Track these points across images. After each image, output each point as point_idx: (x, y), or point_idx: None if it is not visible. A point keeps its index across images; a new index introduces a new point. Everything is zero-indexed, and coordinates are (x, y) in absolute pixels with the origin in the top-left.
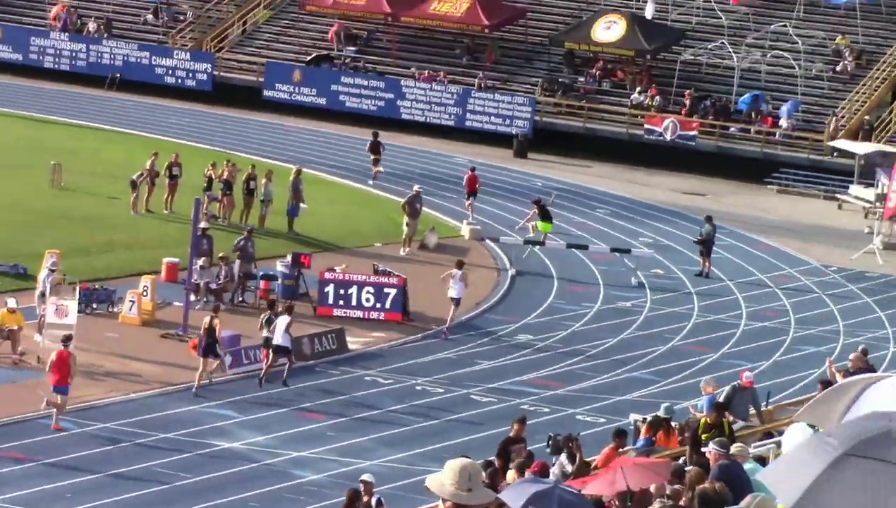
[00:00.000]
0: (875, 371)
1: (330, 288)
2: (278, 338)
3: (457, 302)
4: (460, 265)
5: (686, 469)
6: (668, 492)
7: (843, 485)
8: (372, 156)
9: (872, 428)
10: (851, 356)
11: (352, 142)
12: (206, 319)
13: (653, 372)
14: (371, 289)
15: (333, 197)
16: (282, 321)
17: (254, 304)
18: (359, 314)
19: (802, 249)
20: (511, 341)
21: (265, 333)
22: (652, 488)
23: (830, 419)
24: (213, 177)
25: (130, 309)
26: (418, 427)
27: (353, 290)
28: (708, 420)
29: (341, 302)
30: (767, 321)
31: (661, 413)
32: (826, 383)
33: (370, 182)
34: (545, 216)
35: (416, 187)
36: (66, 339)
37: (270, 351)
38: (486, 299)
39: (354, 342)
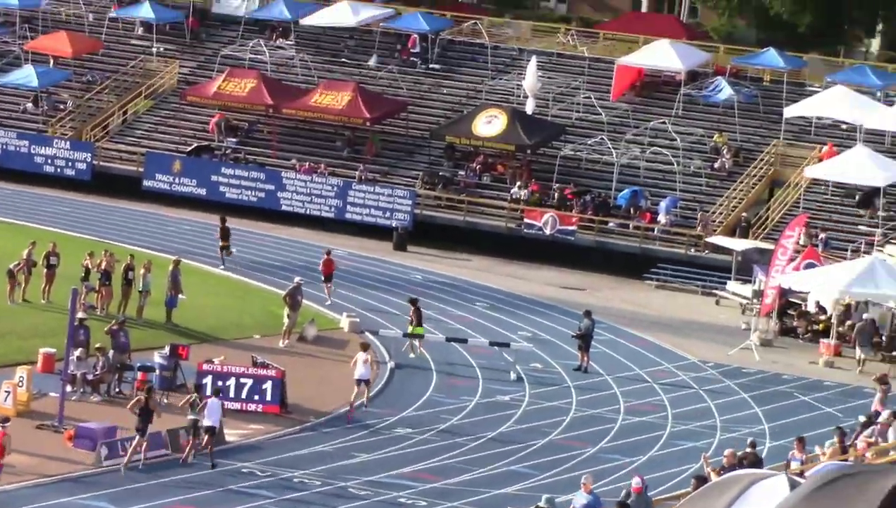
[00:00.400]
0: (762, 463)
1: (208, 380)
2: (209, 420)
3: (365, 383)
4: (365, 348)
5: None
6: None
7: None
8: (221, 243)
9: None
10: (726, 452)
11: (232, 233)
12: (142, 396)
13: (530, 466)
14: (249, 381)
15: (213, 288)
16: (214, 404)
17: (130, 395)
18: (236, 406)
19: (680, 345)
20: (389, 434)
21: (190, 416)
22: None
23: None
24: (91, 267)
25: (5, 400)
26: None
27: (231, 382)
28: None
29: (220, 395)
30: (645, 416)
31: (542, 504)
32: (700, 479)
33: (224, 264)
34: (419, 320)
35: (297, 279)
36: (4, 421)
37: (198, 433)
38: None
39: (232, 434)
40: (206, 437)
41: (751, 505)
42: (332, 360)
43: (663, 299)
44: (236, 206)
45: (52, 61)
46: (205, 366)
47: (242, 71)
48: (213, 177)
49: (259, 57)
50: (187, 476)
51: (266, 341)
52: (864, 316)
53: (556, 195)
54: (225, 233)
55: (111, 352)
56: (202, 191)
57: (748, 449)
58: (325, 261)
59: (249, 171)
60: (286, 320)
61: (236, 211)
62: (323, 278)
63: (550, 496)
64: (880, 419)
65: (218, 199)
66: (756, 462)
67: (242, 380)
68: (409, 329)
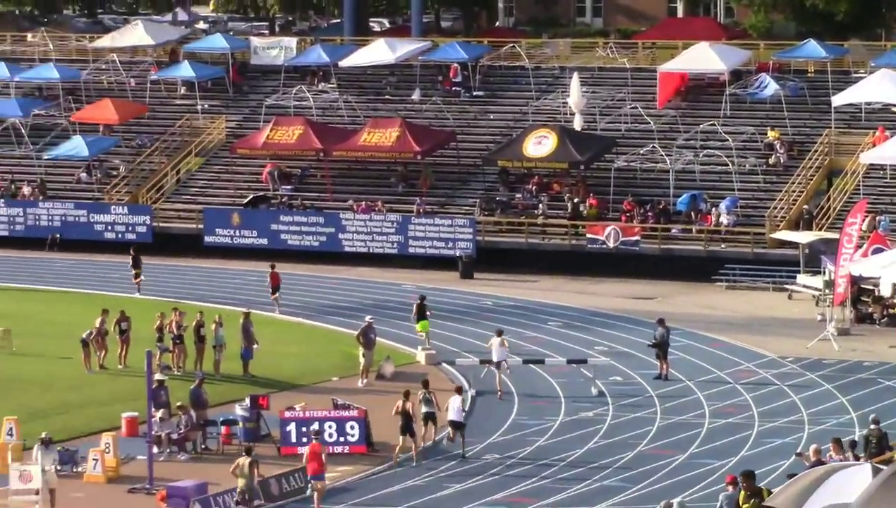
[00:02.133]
0: (887, 439)
1: (292, 427)
2: (453, 415)
3: (459, 425)
4: (459, 391)
5: None
6: None
7: None
8: (133, 271)
9: None
10: (811, 448)
11: (298, 279)
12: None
13: (623, 479)
14: (333, 424)
15: (285, 336)
16: (455, 400)
17: (217, 451)
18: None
19: (758, 342)
20: (478, 462)
21: (425, 409)
22: None
23: (789, 505)
24: (163, 327)
25: (94, 468)
26: None
27: (315, 426)
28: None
29: (305, 440)
30: (731, 417)
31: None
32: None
33: (136, 294)
34: (421, 315)
35: (367, 318)
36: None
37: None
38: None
39: None
40: (453, 431)
41: (831, 493)
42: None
43: (735, 299)
44: (299, 252)
45: (101, 129)
46: (287, 414)
47: (288, 119)
48: (273, 226)
49: (303, 103)
50: None
51: (344, 382)
52: None
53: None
54: (136, 262)
55: (192, 411)
56: (264, 241)
57: (872, 426)
58: (272, 275)
59: (308, 217)
60: (362, 359)
61: (299, 257)
62: (271, 290)
63: (681, 499)
64: None
65: (280, 247)
66: (882, 437)
67: (326, 423)
68: (416, 326)
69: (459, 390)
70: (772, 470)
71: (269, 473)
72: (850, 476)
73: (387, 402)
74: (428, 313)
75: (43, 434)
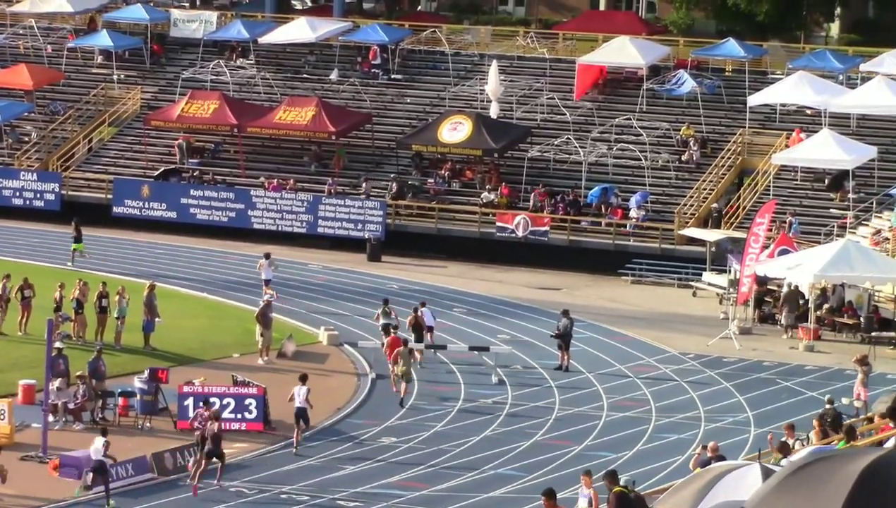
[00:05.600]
0: (841, 418)
1: (189, 402)
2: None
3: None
4: (423, 304)
5: None
6: None
7: None
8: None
9: None
10: (710, 445)
11: (205, 254)
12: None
13: (517, 468)
14: (231, 400)
15: (189, 310)
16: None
17: (113, 422)
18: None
19: (659, 338)
20: (374, 444)
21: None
22: None
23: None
24: (63, 297)
25: None
26: None
27: (214, 402)
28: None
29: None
30: (629, 411)
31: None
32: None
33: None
34: (77, 238)
35: (265, 297)
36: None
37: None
38: (347, 404)
39: None
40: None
41: (723, 494)
42: (313, 374)
43: (640, 294)
44: (208, 227)
45: (24, 96)
46: (185, 388)
47: (204, 93)
48: (183, 200)
49: (220, 78)
50: (174, 499)
51: (245, 359)
52: (791, 285)
53: (533, 197)
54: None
55: (93, 381)
56: (173, 215)
57: (827, 406)
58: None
59: (219, 192)
60: (259, 338)
61: (208, 232)
62: None
63: (629, 477)
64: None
65: (189, 221)
66: (836, 417)
67: (224, 400)
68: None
69: (423, 304)
70: (666, 465)
71: (165, 447)
72: (742, 475)
73: (286, 381)
74: (83, 237)
75: None
